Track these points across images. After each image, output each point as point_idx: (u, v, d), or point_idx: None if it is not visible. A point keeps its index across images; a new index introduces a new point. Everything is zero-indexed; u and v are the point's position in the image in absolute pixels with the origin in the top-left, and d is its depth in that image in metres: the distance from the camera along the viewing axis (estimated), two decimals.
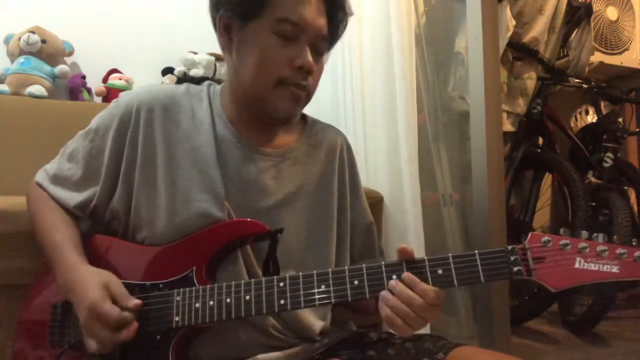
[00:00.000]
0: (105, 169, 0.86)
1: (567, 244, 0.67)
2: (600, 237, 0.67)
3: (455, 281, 0.69)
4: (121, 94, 0.91)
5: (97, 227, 0.90)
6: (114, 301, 0.73)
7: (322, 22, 0.83)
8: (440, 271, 0.69)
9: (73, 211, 0.88)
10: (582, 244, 0.66)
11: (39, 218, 0.88)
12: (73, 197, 0.87)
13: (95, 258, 0.83)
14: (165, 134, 0.85)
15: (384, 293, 0.70)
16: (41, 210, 0.89)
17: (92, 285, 0.74)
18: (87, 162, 0.87)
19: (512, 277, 0.68)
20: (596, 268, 0.65)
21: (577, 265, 0.66)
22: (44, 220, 0.87)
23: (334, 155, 0.97)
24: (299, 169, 0.91)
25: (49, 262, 0.83)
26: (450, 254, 0.70)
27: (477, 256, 0.69)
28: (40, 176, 0.92)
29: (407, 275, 0.70)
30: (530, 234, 0.69)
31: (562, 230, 0.68)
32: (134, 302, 0.74)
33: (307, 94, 0.87)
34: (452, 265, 0.69)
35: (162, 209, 0.82)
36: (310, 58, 0.82)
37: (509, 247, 0.69)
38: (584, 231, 0.68)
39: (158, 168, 0.84)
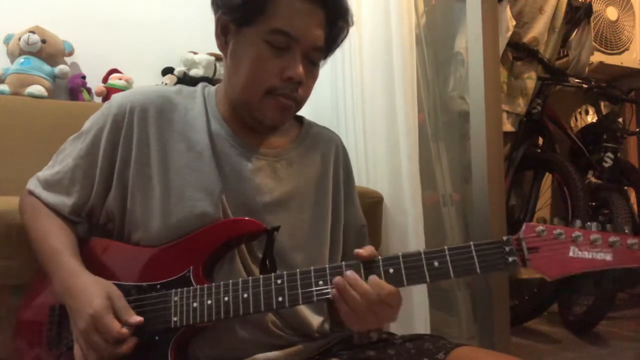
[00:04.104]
0: (100, 169, 0.85)
1: (561, 234, 0.67)
2: (594, 225, 0.67)
3: (451, 273, 0.69)
4: (113, 96, 0.91)
5: (94, 229, 0.89)
6: (115, 314, 0.73)
7: (317, 33, 0.82)
8: (436, 263, 0.69)
9: (69, 217, 0.87)
10: (575, 233, 0.67)
11: (33, 225, 0.87)
12: (66, 203, 0.86)
13: (92, 260, 0.82)
14: (159, 134, 0.85)
15: (338, 279, 0.70)
16: (35, 217, 0.88)
17: (97, 294, 0.74)
18: (79, 164, 0.87)
19: (508, 268, 0.68)
20: (590, 256, 0.66)
21: (571, 254, 0.67)
22: (39, 227, 0.86)
23: (329, 157, 0.97)
24: (294, 170, 0.91)
25: (45, 269, 0.82)
26: (446, 247, 0.70)
27: (472, 248, 0.69)
28: (33, 184, 0.91)
29: (350, 273, 0.71)
30: (525, 224, 0.69)
31: (555, 220, 0.69)
32: (135, 319, 0.73)
33: (297, 104, 0.86)
34: (448, 258, 0.69)
35: (157, 209, 0.82)
36: (301, 70, 0.81)
37: (504, 238, 0.69)
38: (578, 220, 0.68)
39: (152, 168, 0.84)
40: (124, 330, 0.72)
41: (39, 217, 0.87)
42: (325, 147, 0.97)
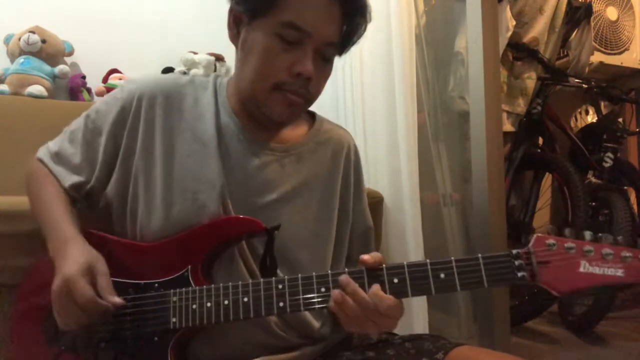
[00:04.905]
0: (103, 152, 0.85)
1: (571, 247, 0.65)
2: (605, 238, 0.65)
3: (458, 286, 0.67)
4: (126, 81, 0.91)
5: (92, 211, 0.89)
6: (96, 291, 0.72)
7: (331, 28, 0.79)
8: (442, 275, 0.67)
9: (68, 191, 0.87)
10: (587, 247, 0.65)
11: (38, 190, 0.88)
12: (69, 178, 0.86)
13: None
14: (166, 123, 0.84)
15: (337, 294, 0.68)
16: (42, 182, 0.88)
17: (79, 261, 0.73)
18: (85, 146, 0.87)
19: (516, 283, 0.66)
20: (601, 272, 0.64)
21: (581, 269, 0.64)
22: (43, 192, 0.86)
23: (340, 155, 0.94)
24: (303, 165, 0.90)
25: (43, 232, 0.82)
26: (453, 258, 0.68)
27: (480, 260, 0.67)
28: (42, 152, 0.92)
29: (346, 278, 0.69)
30: (535, 236, 0.67)
31: (567, 231, 0.66)
32: (115, 300, 0.73)
33: (307, 100, 0.84)
34: (454, 270, 0.67)
35: (158, 199, 0.81)
36: (310, 65, 0.78)
37: (514, 252, 0.67)
38: (589, 232, 0.66)
39: (156, 157, 0.83)
40: (100, 301, 0.71)
41: (46, 183, 0.87)
42: (337, 145, 0.95)
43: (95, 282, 0.73)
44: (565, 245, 0.65)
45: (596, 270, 0.64)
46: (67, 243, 0.78)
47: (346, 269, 0.71)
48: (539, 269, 0.65)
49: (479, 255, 0.67)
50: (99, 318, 0.72)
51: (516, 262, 0.66)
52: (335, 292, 0.68)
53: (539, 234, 0.67)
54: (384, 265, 0.70)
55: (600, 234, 0.66)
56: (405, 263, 0.69)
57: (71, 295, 0.71)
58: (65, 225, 0.80)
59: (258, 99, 0.82)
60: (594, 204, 2.06)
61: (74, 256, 0.75)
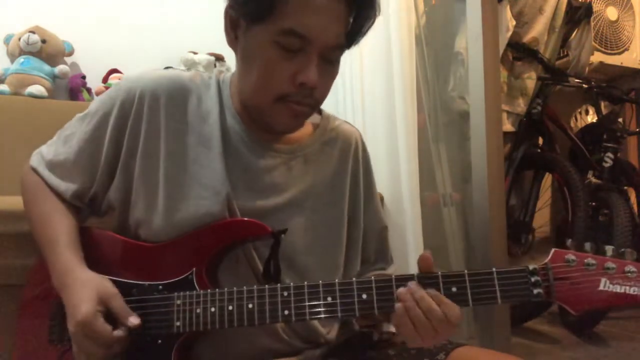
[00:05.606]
0: (104, 157, 0.81)
1: (592, 264, 0.62)
2: (628, 253, 0.62)
3: (470, 301, 0.64)
4: (123, 77, 0.87)
5: (95, 217, 0.87)
6: (114, 316, 0.71)
7: (336, 31, 0.74)
8: (454, 289, 0.64)
9: (70, 201, 0.83)
10: (608, 264, 0.62)
11: (34, 207, 0.84)
12: (68, 187, 0.83)
13: (91, 254, 0.80)
14: (170, 125, 0.80)
15: (403, 291, 0.65)
16: (37, 198, 0.84)
17: (86, 297, 0.71)
18: (83, 148, 0.82)
19: (531, 300, 0.63)
20: (622, 290, 0.61)
21: (601, 287, 0.61)
22: (40, 210, 0.83)
23: (348, 154, 0.91)
24: (310, 167, 0.86)
25: (44, 256, 0.80)
26: (465, 271, 0.65)
27: (494, 275, 0.64)
28: (36, 160, 0.87)
29: (415, 286, 0.66)
30: (553, 250, 0.64)
31: (588, 246, 0.64)
32: (133, 321, 0.71)
33: (312, 107, 0.80)
34: (467, 284, 0.64)
35: (161, 205, 0.78)
36: (314, 74, 0.73)
37: (530, 268, 0.64)
38: (611, 247, 0.63)
39: (160, 161, 0.80)
40: (118, 333, 0.70)
41: (41, 198, 0.84)
42: (344, 144, 0.91)
43: (108, 308, 0.72)
44: (586, 261, 0.63)
45: (617, 288, 0.61)
46: (67, 275, 0.75)
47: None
48: (555, 286, 0.62)
49: (494, 269, 0.64)
50: (121, 348, 0.72)
51: (532, 279, 0.63)
52: (403, 293, 0.65)
53: (557, 249, 0.64)
54: (393, 277, 0.68)
55: (623, 250, 0.63)
56: (415, 274, 0.67)
57: (89, 338, 0.70)
58: (62, 251, 0.77)
59: (262, 110, 0.79)
60: (594, 204, 2.07)
61: (81, 290, 0.72)
